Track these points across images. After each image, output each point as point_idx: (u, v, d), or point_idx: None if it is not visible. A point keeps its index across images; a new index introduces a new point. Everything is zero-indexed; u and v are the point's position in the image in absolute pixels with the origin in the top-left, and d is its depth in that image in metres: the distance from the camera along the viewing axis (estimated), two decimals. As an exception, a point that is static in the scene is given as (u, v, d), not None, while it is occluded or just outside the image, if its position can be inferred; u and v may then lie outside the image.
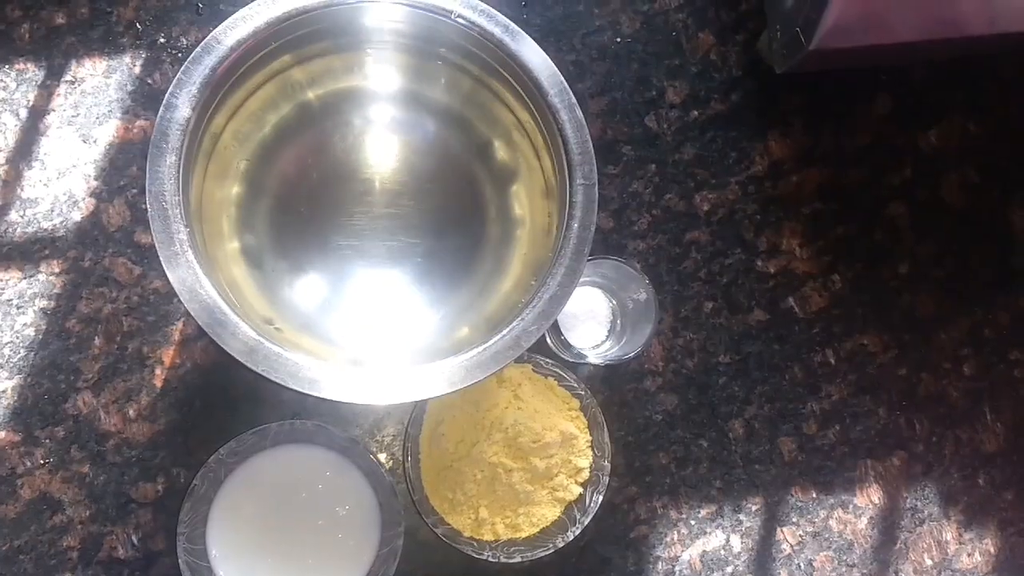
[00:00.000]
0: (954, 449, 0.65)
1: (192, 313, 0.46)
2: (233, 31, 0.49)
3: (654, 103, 0.66)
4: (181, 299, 0.46)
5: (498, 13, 0.52)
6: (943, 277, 0.67)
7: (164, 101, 0.48)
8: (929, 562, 0.64)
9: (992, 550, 0.64)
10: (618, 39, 0.67)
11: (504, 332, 0.48)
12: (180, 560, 0.53)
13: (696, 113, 0.67)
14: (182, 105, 0.48)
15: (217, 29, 0.49)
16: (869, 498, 0.64)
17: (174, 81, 0.48)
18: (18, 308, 0.58)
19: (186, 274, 0.46)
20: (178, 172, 0.47)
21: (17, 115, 0.60)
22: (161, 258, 0.46)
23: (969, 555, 0.64)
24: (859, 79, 0.68)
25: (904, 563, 0.64)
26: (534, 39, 0.52)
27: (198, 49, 0.48)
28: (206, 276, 0.47)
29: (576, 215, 0.50)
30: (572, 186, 0.51)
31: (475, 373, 0.48)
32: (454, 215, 0.59)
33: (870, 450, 0.64)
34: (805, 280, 0.66)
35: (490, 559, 0.55)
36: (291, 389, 0.46)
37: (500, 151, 0.58)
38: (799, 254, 0.66)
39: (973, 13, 0.58)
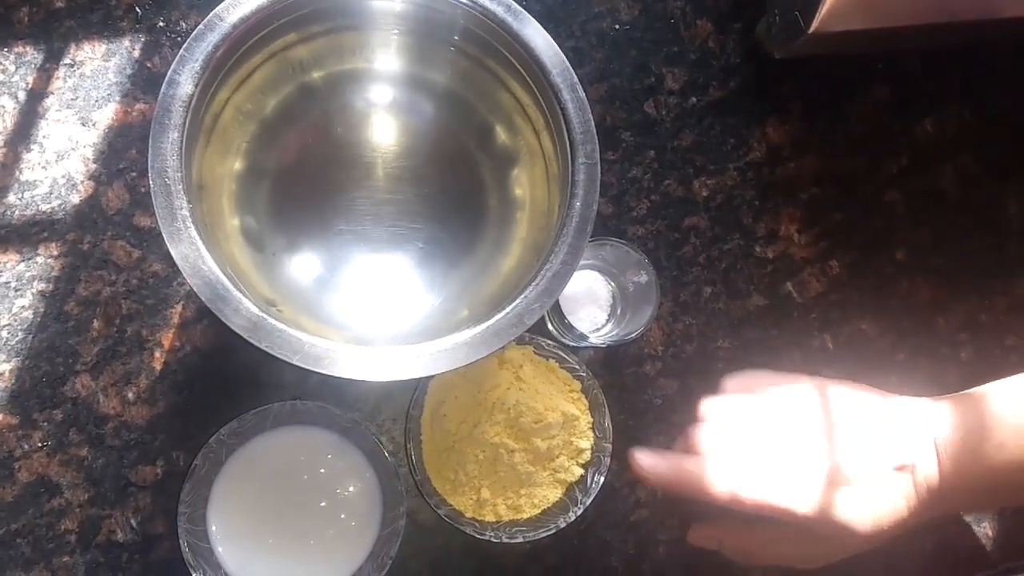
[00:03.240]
0: (952, 433, 0.65)
1: (195, 289, 0.46)
2: (236, 9, 0.49)
3: (653, 90, 0.67)
4: (184, 274, 0.46)
5: (501, -7, 0.52)
6: (940, 264, 0.68)
7: (167, 78, 0.47)
8: (929, 546, 0.64)
9: (990, 533, 0.64)
10: (616, 26, 0.67)
11: (507, 309, 0.48)
12: (181, 541, 0.52)
13: (695, 100, 0.67)
14: (184, 82, 0.48)
15: (220, 6, 0.49)
16: (868, 482, 0.64)
17: (176, 58, 0.48)
18: (16, 291, 0.58)
19: (188, 250, 0.46)
20: (180, 148, 0.47)
21: (16, 98, 0.60)
22: (164, 234, 0.46)
23: (968, 539, 0.64)
24: (856, 68, 0.69)
25: (904, 547, 0.63)
26: (533, 25, 0.52)
27: (200, 26, 0.48)
28: (208, 252, 0.46)
29: (578, 193, 0.51)
30: (574, 165, 0.51)
31: (479, 349, 0.48)
32: (455, 199, 0.59)
33: (869, 434, 0.64)
34: (803, 266, 0.66)
35: (492, 540, 0.55)
36: (294, 365, 0.46)
37: (501, 134, 0.58)
38: (797, 240, 0.66)
39: (969, -2, 0.59)
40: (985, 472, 0.52)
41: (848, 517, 0.51)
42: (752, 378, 0.56)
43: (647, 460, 0.53)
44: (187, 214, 0.46)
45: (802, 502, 0.51)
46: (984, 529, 0.65)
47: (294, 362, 0.46)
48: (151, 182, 0.46)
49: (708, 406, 0.55)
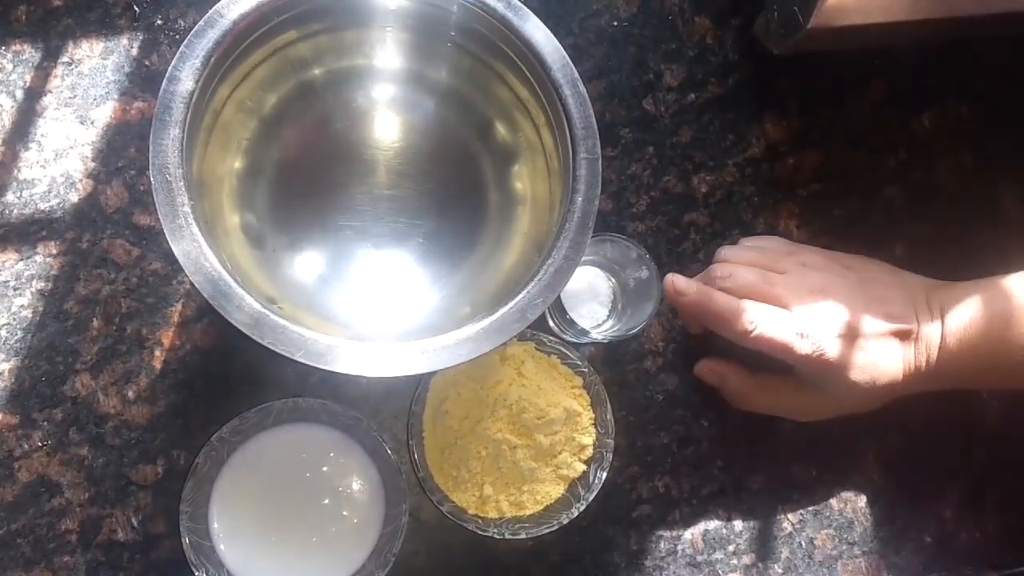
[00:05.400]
0: (951, 427, 0.66)
1: (197, 285, 0.45)
2: (236, 5, 0.49)
3: (651, 86, 0.67)
4: (185, 271, 0.45)
5: (500, -11, 0.52)
6: (939, 258, 0.67)
7: (167, 74, 0.47)
8: (928, 539, 0.64)
9: (989, 527, 0.65)
10: (615, 23, 0.67)
11: (510, 305, 0.48)
12: (183, 540, 0.52)
13: (693, 96, 0.67)
14: (185, 78, 0.48)
15: (220, 3, 0.49)
16: (869, 476, 0.64)
17: (177, 54, 0.48)
18: (15, 290, 0.57)
19: (190, 246, 0.46)
20: (181, 145, 0.47)
21: (13, 96, 0.60)
22: (165, 230, 0.46)
23: (968, 532, 0.64)
24: (853, 64, 0.69)
25: (904, 541, 0.64)
26: (531, 22, 0.52)
27: (201, 23, 0.48)
28: (210, 249, 0.46)
29: (580, 189, 0.51)
30: (576, 160, 0.51)
31: (482, 345, 0.47)
32: (455, 195, 0.59)
33: (869, 429, 0.64)
34: (803, 261, 0.66)
35: (495, 536, 0.55)
36: (296, 363, 0.46)
37: (501, 130, 0.58)
38: (796, 235, 0.66)
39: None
40: (986, 350, 0.55)
41: (845, 366, 0.54)
42: (770, 243, 0.60)
43: (681, 284, 0.56)
44: (188, 211, 0.46)
45: (806, 344, 0.54)
46: (984, 523, 0.65)
47: (297, 358, 0.46)
48: (152, 179, 0.46)
49: (729, 250, 0.59)
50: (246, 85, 0.53)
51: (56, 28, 0.61)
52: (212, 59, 0.48)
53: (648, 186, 0.65)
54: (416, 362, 0.47)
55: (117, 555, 0.56)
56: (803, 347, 0.54)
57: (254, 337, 0.46)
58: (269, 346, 0.45)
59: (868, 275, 0.58)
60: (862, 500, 0.64)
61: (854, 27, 0.58)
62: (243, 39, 0.50)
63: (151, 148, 0.46)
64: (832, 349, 0.54)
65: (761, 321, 0.54)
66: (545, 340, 0.58)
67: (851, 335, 0.55)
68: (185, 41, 0.48)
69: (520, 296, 0.48)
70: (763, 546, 0.62)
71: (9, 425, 0.56)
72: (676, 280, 0.56)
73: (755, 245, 0.60)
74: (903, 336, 0.56)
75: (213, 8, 0.49)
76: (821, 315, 0.55)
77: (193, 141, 0.49)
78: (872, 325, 0.55)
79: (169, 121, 0.47)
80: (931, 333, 0.56)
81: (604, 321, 0.62)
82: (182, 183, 0.47)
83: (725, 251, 0.59)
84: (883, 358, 0.55)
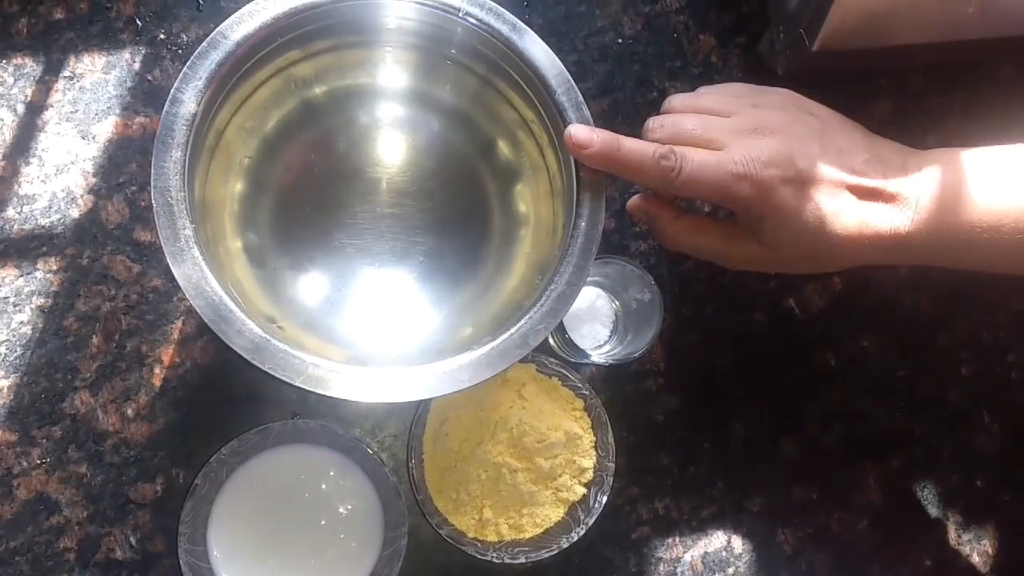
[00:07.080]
0: (953, 450, 0.65)
1: (197, 310, 0.45)
2: (240, 26, 0.49)
3: (656, 104, 0.66)
4: (186, 295, 0.45)
5: (505, 11, 0.52)
6: (941, 280, 0.67)
7: (170, 96, 0.47)
8: (928, 563, 0.64)
9: (990, 551, 0.65)
10: (619, 40, 0.67)
11: (512, 330, 0.48)
12: (181, 561, 0.52)
13: (697, 115, 0.67)
14: (188, 100, 0.47)
15: (223, 24, 0.48)
16: (869, 499, 0.64)
17: (180, 76, 0.47)
18: (15, 306, 0.57)
19: (191, 270, 0.46)
20: (183, 168, 0.47)
21: (15, 110, 0.59)
22: (167, 254, 0.46)
23: (967, 556, 0.64)
24: (858, 83, 0.69)
25: (903, 564, 0.64)
26: (535, 39, 0.52)
27: (204, 44, 0.48)
28: (212, 273, 0.46)
29: (584, 213, 0.50)
30: (580, 184, 0.51)
31: (483, 371, 0.47)
32: (458, 214, 0.59)
33: (870, 451, 0.64)
34: (805, 281, 0.66)
35: (494, 560, 0.55)
36: (296, 387, 0.46)
37: (504, 150, 0.58)
38: (799, 254, 0.66)
39: (973, 16, 0.59)
40: (965, 220, 0.49)
41: (791, 214, 0.48)
42: (728, 90, 0.54)
43: (582, 135, 0.49)
44: (190, 234, 0.46)
45: (744, 186, 0.48)
46: (984, 546, 0.65)
47: (297, 384, 0.45)
48: (153, 202, 0.46)
49: (678, 98, 0.54)
50: (249, 105, 0.52)
51: (58, 42, 0.60)
52: (215, 80, 0.48)
53: (651, 205, 0.65)
54: (416, 388, 0.47)
55: (115, 574, 0.56)
56: (742, 189, 0.48)
57: (254, 362, 0.45)
58: (269, 371, 0.45)
59: (834, 125, 0.52)
60: (862, 523, 0.64)
61: (860, 50, 0.58)
62: (246, 60, 0.50)
63: (153, 171, 0.46)
64: (777, 193, 0.48)
65: (687, 162, 0.48)
66: (546, 362, 0.58)
67: (800, 180, 0.49)
68: (188, 62, 0.48)
69: (522, 322, 0.48)
70: (763, 569, 0.62)
71: (8, 442, 0.56)
72: (576, 130, 0.49)
73: (711, 90, 0.54)
74: (865, 193, 0.50)
75: (216, 29, 0.48)
76: (764, 154, 0.48)
77: (195, 162, 0.49)
78: (828, 172, 0.49)
79: (171, 143, 0.47)
80: (905, 194, 0.49)
81: (605, 342, 0.62)
82: (184, 205, 0.46)
83: (673, 100, 0.54)
84: (835, 211, 0.49)
